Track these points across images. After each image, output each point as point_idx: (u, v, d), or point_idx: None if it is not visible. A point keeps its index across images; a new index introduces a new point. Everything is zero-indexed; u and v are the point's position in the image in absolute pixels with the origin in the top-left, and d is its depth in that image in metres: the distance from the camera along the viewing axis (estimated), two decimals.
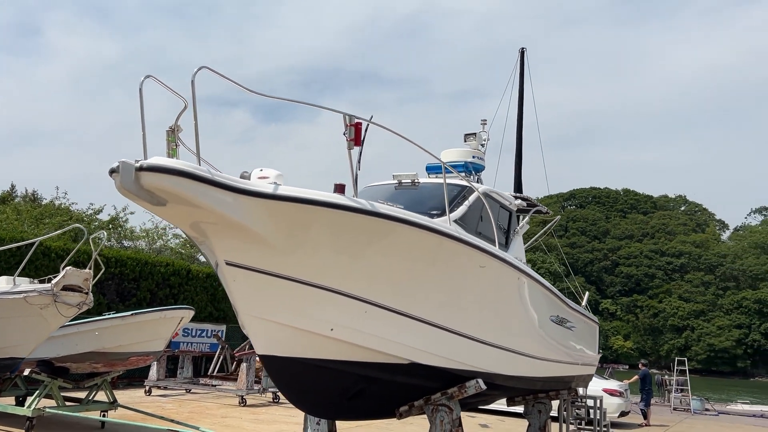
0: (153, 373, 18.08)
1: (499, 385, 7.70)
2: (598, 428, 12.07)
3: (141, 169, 4.49)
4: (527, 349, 8.04)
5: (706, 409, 24.28)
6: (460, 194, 7.77)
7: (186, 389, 18.94)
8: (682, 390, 24.49)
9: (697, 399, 24.40)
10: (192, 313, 11.93)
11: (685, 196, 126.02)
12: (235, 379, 18.88)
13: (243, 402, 16.68)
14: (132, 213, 32.62)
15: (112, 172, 4.62)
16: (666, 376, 27.86)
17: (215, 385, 18.74)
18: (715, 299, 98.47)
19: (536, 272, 8.34)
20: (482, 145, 9.99)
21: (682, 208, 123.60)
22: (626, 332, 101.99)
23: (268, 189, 4.98)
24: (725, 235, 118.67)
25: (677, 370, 24.76)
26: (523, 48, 12.06)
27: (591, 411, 12.65)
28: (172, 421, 11.41)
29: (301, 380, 5.96)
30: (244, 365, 17.04)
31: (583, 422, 12.90)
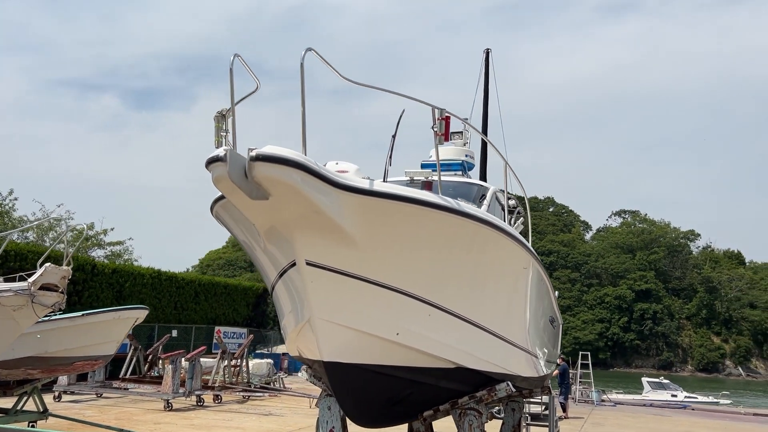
0: (63, 377, 16.59)
1: (516, 387, 7.68)
2: (554, 426, 12.36)
3: (257, 159, 4.01)
4: (536, 349, 8.08)
5: (602, 401, 25.81)
6: (478, 193, 7.67)
7: (97, 394, 17.58)
8: (583, 383, 25.89)
9: (595, 391, 25.89)
10: (146, 312, 11.00)
11: (553, 197, 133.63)
12: (151, 382, 17.80)
13: (169, 406, 15.71)
14: (16, 199, 29.56)
15: (214, 161, 4.10)
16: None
17: (128, 389, 17.55)
18: (580, 295, 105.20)
19: None
20: (465, 144, 9.95)
21: (551, 209, 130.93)
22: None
23: (365, 184, 4.63)
24: (588, 236, 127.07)
25: (580, 363, 26.15)
26: (488, 49, 12.17)
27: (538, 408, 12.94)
28: (112, 428, 10.46)
29: (363, 388, 5.62)
30: (169, 368, 16.03)
31: (529, 418, 13.19)
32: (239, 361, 19.40)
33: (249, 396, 18.93)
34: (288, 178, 4.15)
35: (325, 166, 5.02)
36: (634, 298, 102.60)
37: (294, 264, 4.92)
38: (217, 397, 17.78)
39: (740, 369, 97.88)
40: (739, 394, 47.78)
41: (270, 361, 22.58)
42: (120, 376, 18.62)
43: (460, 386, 6.49)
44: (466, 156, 9.32)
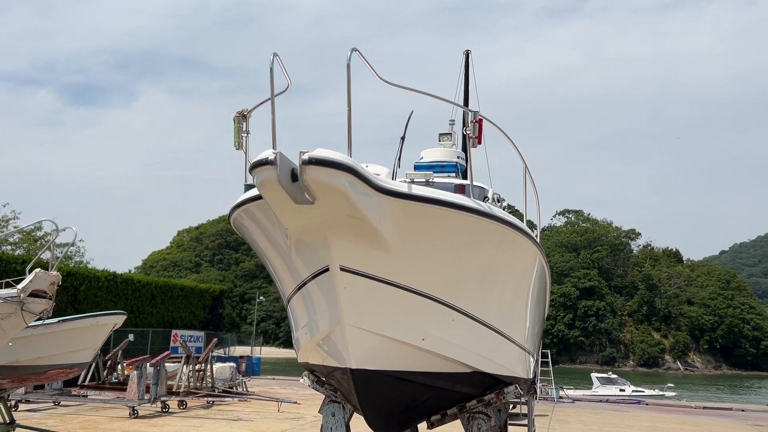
0: None
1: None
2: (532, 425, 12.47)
3: (310, 162, 3.87)
4: (533, 350, 8.12)
5: (561, 398, 26.27)
6: (480, 195, 7.64)
7: (55, 402, 16.88)
8: (543, 380, 26.28)
9: (554, 388, 26.34)
10: (124, 318, 10.58)
11: (499, 195, 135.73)
12: (112, 389, 17.22)
13: (135, 413, 15.21)
14: None
15: (262, 164, 3.93)
16: None
17: (87, 396, 16.94)
18: None
19: None
20: (454, 145, 9.94)
21: None
22: None
23: (405, 188, 4.53)
24: (533, 235, 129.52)
25: (540, 361, 26.52)
26: (467, 50, 12.17)
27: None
28: None
29: (388, 395, 5.52)
30: (134, 373, 15.53)
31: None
32: (203, 365, 18.95)
33: (213, 401, 18.52)
34: (339, 182, 4.03)
35: None
36: (578, 295, 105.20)
37: (326, 270, 4.78)
38: (182, 403, 17.32)
39: (679, 363, 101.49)
40: (680, 387, 49.47)
41: (233, 364, 22.16)
42: (78, 383, 17.94)
43: (472, 390, 6.45)
44: (458, 158, 9.31)
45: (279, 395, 21.16)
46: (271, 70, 4.18)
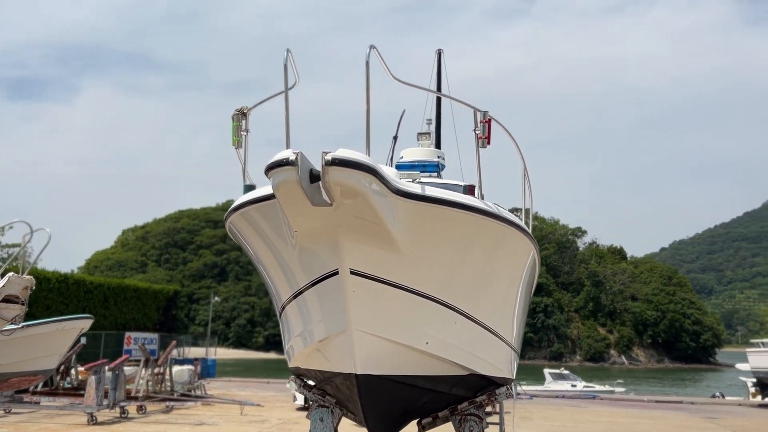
0: None
1: None
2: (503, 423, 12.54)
3: (333, 163, 3.73)
4: (519, 349, 8.12)
5: (518, 394, 26.61)
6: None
7: (5, 409, 16.13)
8: None
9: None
10: (91, 322, 10.13)
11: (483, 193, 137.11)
12: (66, 394, 16.58)
13: (93, 420, 14.66)
14: None
15: (282, 164, 3.77)
16: None
17: (40, 402, 16.24)
18: None
19: None
20: (432, 144, 9.87)
21: None
22: None
23: (419, 190, 4.43)
24: None
25: None
26: (440, 49, 12.12)
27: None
28: None
29: (390, 400, 5.42)
30: (92, 378, 14.95)
31: None
32: (162, 368, 18.44)
33: (173, 405, 18.05)
34: (360, 184, 3.91)
35: None
36: None
37: (334, 273, 4.64)
38: (141, 408, 16.82)
39: (623, 358, 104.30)
40: (627, 382, 50.80)
41: (191, 367, 21.65)
42: (30, 390, 17.19)
43: (466, 392, 6.40)
44: (438, 157, 9.24)
45: (239, 398, 20.77)
46: (285, 67, 4.02)
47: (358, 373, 4.97)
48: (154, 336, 27.79)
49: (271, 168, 3.90)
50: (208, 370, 27.79)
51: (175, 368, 19.81)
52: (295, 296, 5.29)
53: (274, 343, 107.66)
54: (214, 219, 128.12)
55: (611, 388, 39.75)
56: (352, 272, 4.56)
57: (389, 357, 5.08)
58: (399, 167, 8.84)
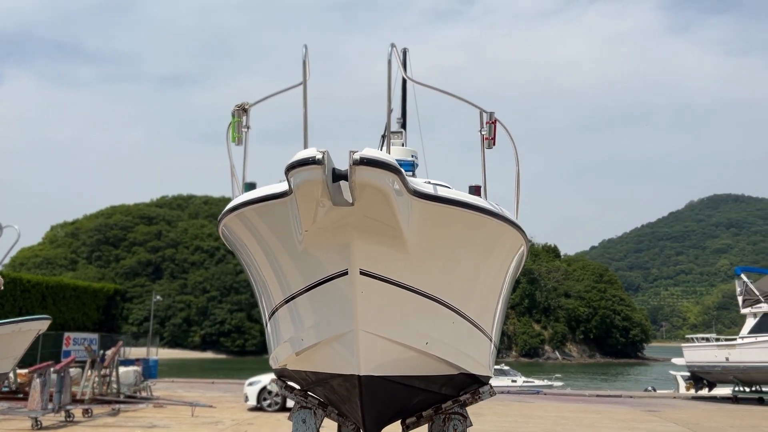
0: None
1: None
2: None
3: (361, 162, 3.67)
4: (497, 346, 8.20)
5: None
6: None
7: None
8: None
9: None
10: (49, 322, 9.67)
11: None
12: (4, 398, 15.86)
13: (38, 425, 14.04)
14: None
15: (307, 163, 3.68)
16: None
17: None
18: None
19: None
20: (403, 144, 9.85)
21: None
22: None
23: (430, 189, 4.42)
24: None
25: None
26: (405, 48, 12.09)
27: None
28: None
29: (389, 400, 5.39)
30: (37, 381, 14.33)
31: None
32: (109, 370, 17.84)
33: (119, 408, 17.50)
34: (386, 184, 3.87)
35: None
36: None
37: (342, 274, 4.57)
38: (87, 411, 16.24)
39: (557, 353, 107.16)
40: (562, 377, 52.21)
41: (137, 368, 21.02)
42: None
43: (453, 391, 6.43)
44: (412, 156, 9.22)
45: (185, 398, 20.33)
46: (304, 62, 3.93)
47: (362, 374, 4.91)
48: (94, 336, 26.82)
49: (294, 167, 3.81)
50: (149, 370, 27.00)
51: (121, 369, 19.20)
52: (293, 298, 5.20)
53: (211, 342, 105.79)
54: (148, 215, 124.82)
55: (550, 383, 40.79)
56: (362, 272, 4.52)
57: (392, 358, 5.06)
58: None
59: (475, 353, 6.11)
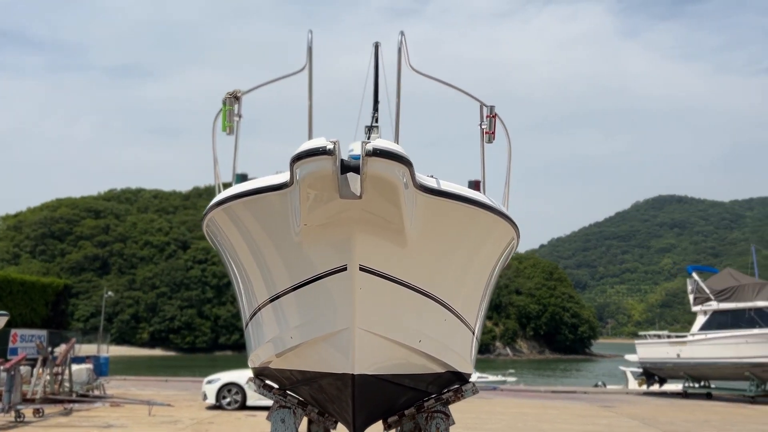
0: None
1: None
2: None
3: (374, 154, 3.53)
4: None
5: None
6: None
7: None
8: None
9: None
10: (6, 318, 9.19)
11: None
12: None
13: None
14: None
15: (316, 153, 3.52)
16: None
17: None
18: None
19: None
20: (379, 137, 9.72)
21: None
22: None
23: (434, 184, 4.31)
24: None
25: None
26: (377, 42, 11.97)
27: None
28: None
29: (380, 399, 5.28)
30: None
31: None
32: (61, 368, 17.21)
33: (72, 407, 16.90)
34: (396, 176, 3.74)
35: None
36: None
37: (339, 269, 4.42)
38: (38, 411, 15.62)
39: (508, 349, 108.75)
40: (513, 372, 52.98)
41: (89, 366, 20.36)
42: None
43: (438, 389, 6.35)
44: None
45: (140, 397, 19.81)
46: (310, 49, 3.77)
47: (356, 373, 4.78)
48: (43, 333, 25.87)
49: (302, 157, 3.64)
50: (100, 368, 26.22)
51: (74, 367, 18.55)
52: (284, 294, 5.02)
53: (160, 339, 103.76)
54: (95, 208, 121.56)
55: (503, 379, 41.31)
56: (362, 268, 4.38)
57: (386, 357, 4.94)
58: (354, 159, 8.62)
59: (462, 350, 6.04)
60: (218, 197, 5.05)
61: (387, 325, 4.74)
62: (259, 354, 5.94)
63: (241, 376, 18.16)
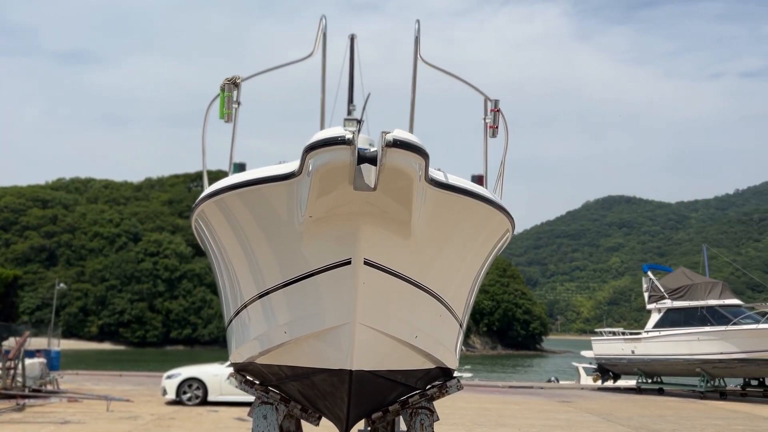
0: None
1: None
2: None
3: (395, 144, 3.45)
4: None
5: None
6: None
7: None
8: None
9: None
10: None
11: None
12: None
13: None
14: None
15: (336, 143, 3.43)
16: None
17: None
18: None
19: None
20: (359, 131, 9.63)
21: None
22: None
23: (441, 177, 4.25)
24: None
25: None
26: (352, 35, 11.86)
27: None
28: None
29: (374, 396, 5.21)
30: None
31: None
32: (14, 362, 16.62)
33: (24, 403, 16.35)
34: (413, 169, 3.67)
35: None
36: None
37: (344, 263, 4.33)
38: None
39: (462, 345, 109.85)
40: (469, 368, 53.52)
41: (42, 360, 19.73)
42: None
43: (424, 385, 6.32)
44: (369, 144, 9.00)
45: (95, 392, 19.30)
46: (324, 35, 3.67)
47: (354, 369, 4.70)
48: None
49: (319, 146, 3.54)
50: (52, 362, 25.46)
51: (26, 362, 17.95)
52: (276, 289, 4.91)
53: (109, 333, 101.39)
54: (43, 198, 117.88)
55: (459, 374, 41.59)
56: (366, 262, 4.30)
57: (384, 352, 4.88)
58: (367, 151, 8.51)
59: (451, 346, 6.02)
60: (210, 189, 4.90)
61: (387, 320, 4.68)
62: (245, 349, 5.81)
63: (203, 371, 17.88)
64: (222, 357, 18.22)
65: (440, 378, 6.45)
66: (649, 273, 26.22)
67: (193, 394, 17.34)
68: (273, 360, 5.49)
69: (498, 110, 4.87)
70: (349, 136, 3.51)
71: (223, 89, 4.58)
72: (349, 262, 4.30)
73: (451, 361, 6.13)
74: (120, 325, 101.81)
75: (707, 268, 29.62)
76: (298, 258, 4.56)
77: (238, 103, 4.63)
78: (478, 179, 4.95)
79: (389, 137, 3.53)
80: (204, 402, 17.26)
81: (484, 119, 4.88)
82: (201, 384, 17.36)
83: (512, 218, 5.37)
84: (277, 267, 4.81)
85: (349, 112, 12.72)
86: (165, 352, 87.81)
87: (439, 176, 4.20)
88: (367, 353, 4.70)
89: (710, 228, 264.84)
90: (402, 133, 3.60)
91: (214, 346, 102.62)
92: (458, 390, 6.68)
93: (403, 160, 3.59)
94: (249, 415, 6.25)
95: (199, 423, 14.34)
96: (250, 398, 18.30)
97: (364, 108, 6.60)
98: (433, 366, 5.77)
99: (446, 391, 6.50)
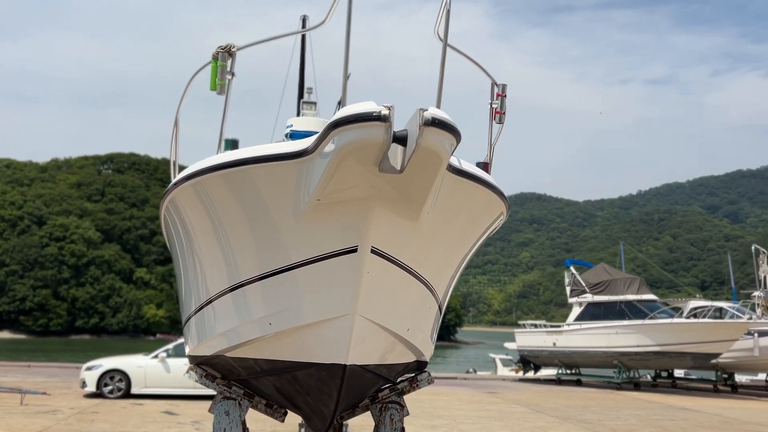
0: None
1: None
2: None
3: (433, 123, 3.19)
4: None
5: None
6: None
7: None
8: None
9: None
10: None
11: None
12: None
13: None
14: None
15: (369, 119, 3.14)
16: None
17: None
18: None
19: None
20: (315, 115, 9.31)
21: None
22: (159, 301, 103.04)
23: (456, 163, 4.04)
24: None
25: None
26: (304, 15, 11.46)
27: None
28: None
29: (361, 391, 4.97)
30: None
31: None
32: None
33: None
34: (446, 149, 3.42)
35: None
36: None
37: (349, 251, 4.04)
38: None
39: None
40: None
41: None
42: None
43: (396, 378, 6.12)
44: None
45: (5, 384, 18.04)
46: (350, 8, 3.36)
47: (348, 363, 4.42)
48: None
49: (349, 121, 3.23)
50: None
51: None
52: (256, 280, 4.58)
53: (9, 321, 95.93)
54: None
55: None
56: (374, 251, 4.04)
57: (377, 346, 4.66)
58: (294, 136, 8.14)
59: (432, 337, 5.86)
60: (188, 170, 4.49)
61: (385, 312, 4.45)
62: (212, 342, 5.45)
63: (126, 362, 17.04)
64: (133, 348, 17.35)
65: (415, 371, 6.28)
66: (572, 268, 27.05)
67: (116, 386, 16.49)
68: (248, 353, 5.14)
69: (505, 95, 4.70)
70: (385, 112, 3.22)
71: (216, 58, 4.19)
72: (354, 250, 4.02)
73: (429, 353, 5.96)
74: (20, 312, 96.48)
75: (623, 264, 30.86)
76: (291, 245, 4.25)
77: (233, 74, 4.25)
78: (484, 166, 4.76)
79: (427, 115, 3.26)
80: (127, 395, 16.44)
81: (491, 104, 4.69)
82: (124, 376, 16.53)
83: (507, 201, 5.24)
84: (261, 255, 4.48)
85: (301, 96, 12.34)
86: (69, 342, 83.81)
87: (454, 162, 3.99)
88: (362, 347, 4.45)
89: (614, 226, 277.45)
90: (439, 112, 3.34)
91: (123, 335, 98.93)
92: (429, 384, 6.52)
93: (438, 140, 3.35)
94: (210, 410, 5.89)
95: (125, 417, 13.63)
96: (177, 391, 17.68)
97: (344, 90, 6.30)
98: (413, 360, 5.59)
99: (417, 385, 6.33)
